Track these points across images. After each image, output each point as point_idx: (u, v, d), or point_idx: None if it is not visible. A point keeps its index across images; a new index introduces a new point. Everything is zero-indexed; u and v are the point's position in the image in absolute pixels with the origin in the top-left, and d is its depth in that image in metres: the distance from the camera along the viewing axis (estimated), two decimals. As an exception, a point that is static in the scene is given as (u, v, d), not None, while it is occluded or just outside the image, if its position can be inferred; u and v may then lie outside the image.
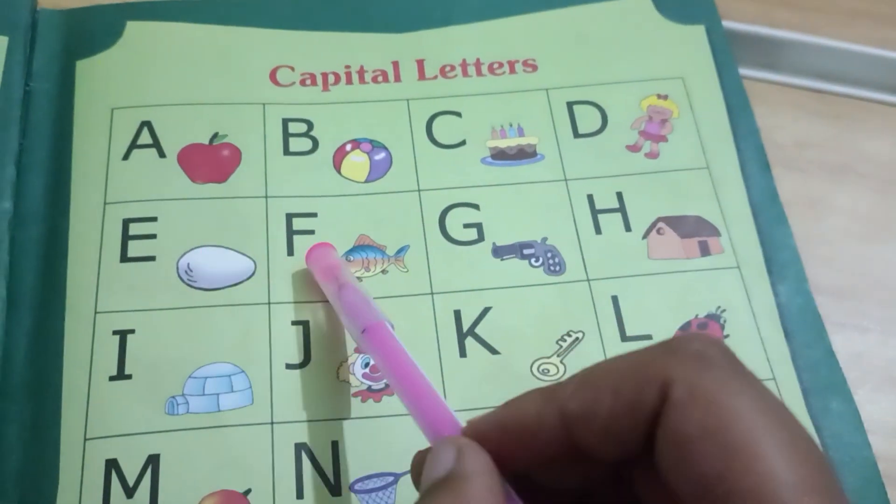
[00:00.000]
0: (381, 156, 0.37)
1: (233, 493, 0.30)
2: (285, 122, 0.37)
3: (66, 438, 0.30)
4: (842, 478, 0.32)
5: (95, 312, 0.32)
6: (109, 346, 0.32)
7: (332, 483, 0.30)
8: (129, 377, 0.31)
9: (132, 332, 0.32)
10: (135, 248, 0.34)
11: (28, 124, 0.36)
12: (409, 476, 0.30)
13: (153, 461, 0.30)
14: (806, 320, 0.35)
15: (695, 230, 0.36)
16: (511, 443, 0.21)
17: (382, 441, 0.31)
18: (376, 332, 0.29)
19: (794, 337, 0.34)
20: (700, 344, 0.20)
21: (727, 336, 0.34)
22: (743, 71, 0.40)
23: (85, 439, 0.30)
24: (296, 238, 0.35)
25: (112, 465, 0.30)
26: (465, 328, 0.34)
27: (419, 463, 0.23)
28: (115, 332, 0.32)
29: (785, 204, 0.37)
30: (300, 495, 0.30)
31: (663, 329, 0.34)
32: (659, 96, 0.39)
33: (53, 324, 0.32)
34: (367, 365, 0.32)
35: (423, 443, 0.31)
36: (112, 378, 0.31)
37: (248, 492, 0.30)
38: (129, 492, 0.29)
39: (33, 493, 0.29)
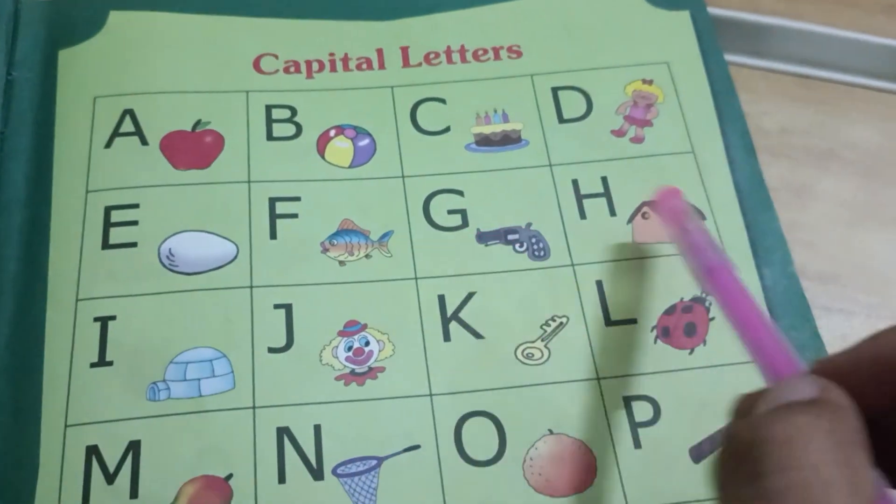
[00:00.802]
0: (365, 142, 0.37)
1: (214, 478, 0.30)
2: (269, 108, 0.37)
3: (47, 425, 0.30)
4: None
5: (77, 299, 0.32)
6: (90, 332, 0.32)
7: (315, 467, 0.30)
8: (110, 364, 0.31)
9: (113, 318, 0.32)
10: (116, 235, 0.34)
11: (10, 113, 0.36)
12: (391, 459, 0.30)
13: (134, 447, 0.30)
14: (791, 303, 0.34)
15: (680, 214, 0.36)
16: (870, 380, 0.20)
17: (365, 425, 0.31)
18: (720, 274, 0.28)
19: (780, 319, 0.34)
20: None
21: (713, 318, 0.34)
22: (728, 57, 0.40)
23: (65, 426, 0.30)
24: (279, 222, 0.34)
25: (92, 451, 0.30)
26: (449, 313, 0.33)
27: (747, 401, 0.21)
28: (96, 319, 0.32)
29: (770, 190, 0.37)
30: (282, 479, 0.30)
31: (648, 312, 0.34)
32: (644, 81, 0.39)
33: (35, 311, 0.32)
34: (350, 349, 0.32)
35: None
36: (93, 365, 0.31)
37: (229, 477, 0.30)
38: (110, 478, 0.29)
39: (13, 478, 0.29)
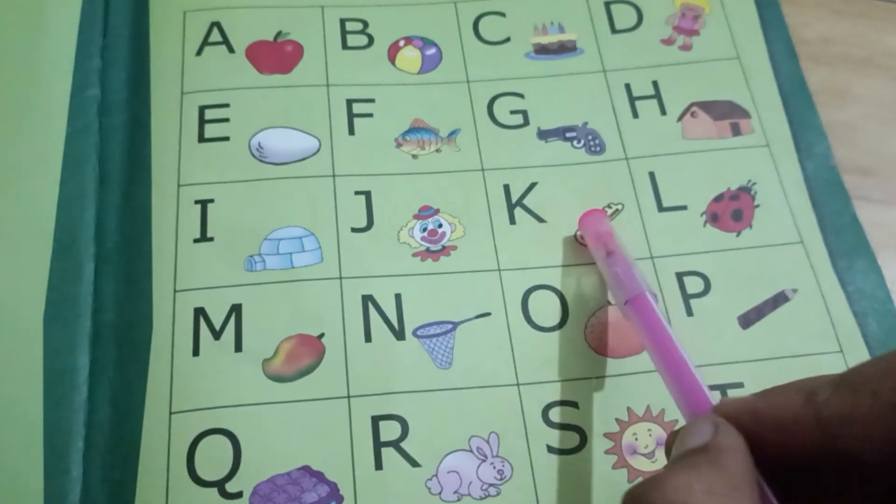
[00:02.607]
0: (431, 51, 0.40)
1: (308, 336, 0.33)
2: (342, 21, 0.40)
3: (158, 291, 0.33)
4: (865, 326, 0.34)
5: (178, 185, 0.36)
6: (192, 213, 0.35)
7: (397, 329, 0.33)
8: (211, 239, 0.35)
9: (212, 201, 0.35)
10: (210, 131, 0.37)
11: (108, 26, 0.39)
12: (466, 324, 0.33)
13: (236, 309, 0.33)
14: (832, 192, 0.37)
15: (727, 113, 0.39)
16: (764, 433, 0.21)
17: (441, 294, 0.34)
18: (641, 304, 0.30)
19: (821, 206, 0.37)
20: None
21: (758, 206, 0.36)
22: (770, -26, 0.43)
23: (175, 290, 0.33)
24: (356, 120, 0.38)
25: (200, 312, 0.33)
26: (514, 200, 0.36)
27: (670, 439, 0.23)
28: (196, 202, 0.35)
29: (812, 93, 0.39)
30: (368, 339, 0.33)
31: (697, 200, 0.37)
32: (691, -6, 0.41)
33: (141, 196, 0.35)
34: (424, 230, 0.35)
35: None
36: (196, 240, 0.34)
37: (321, 335, 0.33)
38: (216, 334, 0.33)
39: (129, 339, 0.33)
